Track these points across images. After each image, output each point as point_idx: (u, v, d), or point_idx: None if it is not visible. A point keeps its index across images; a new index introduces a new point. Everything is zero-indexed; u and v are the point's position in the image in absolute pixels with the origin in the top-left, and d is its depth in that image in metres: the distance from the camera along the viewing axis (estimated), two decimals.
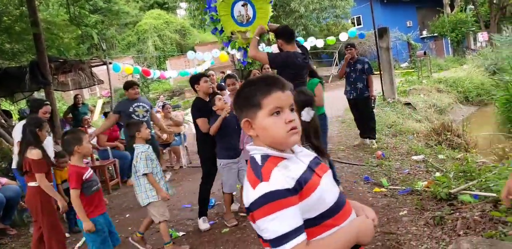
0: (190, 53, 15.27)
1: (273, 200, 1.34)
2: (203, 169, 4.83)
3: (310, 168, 1.49)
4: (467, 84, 15.59)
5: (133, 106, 6.24)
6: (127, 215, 5.74)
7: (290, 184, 1.38)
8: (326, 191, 1.45)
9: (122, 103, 6.60)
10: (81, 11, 12.65)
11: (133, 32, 33.33)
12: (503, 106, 10.37)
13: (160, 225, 4.15)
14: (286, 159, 1.47)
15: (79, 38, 15.15)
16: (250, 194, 1.41)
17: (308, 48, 14.54)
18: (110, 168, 7.54)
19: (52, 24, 10.86)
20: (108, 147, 7.62)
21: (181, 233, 4.67)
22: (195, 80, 4.75)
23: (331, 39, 15.26)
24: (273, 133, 1.46)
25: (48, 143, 5.04)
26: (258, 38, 4.49)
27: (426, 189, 4.62)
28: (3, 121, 8.33)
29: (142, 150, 4.10)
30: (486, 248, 3.04)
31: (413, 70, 19.34)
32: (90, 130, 8.04)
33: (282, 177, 1.39)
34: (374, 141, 7.58)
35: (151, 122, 6.62)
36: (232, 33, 4.59)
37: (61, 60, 10.15)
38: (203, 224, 4.73)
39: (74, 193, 3.42)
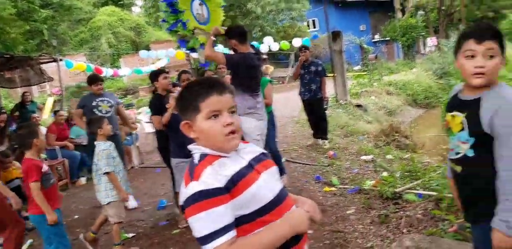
0: (142, 52, 15.05)
1: (200, 200, 1.36)
2: (169, 167, 4.72)
3: (250, 165, 1.51)
4: (415, 87, 16.19)
5: (97, 100, 6.01)
6: (75, 217, 5.61)
7: (221, 182, 1.39)
8: (263, 188, 1.46)
9: (85, 97, 6.38)
10: (30, 6, 12.26)
11: (86, 29, 32.47)
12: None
13: (113, 226, 4.08)
14: (224, 157, 1.49)
15: (27, 34, 14.65)
16: (183, 192, 1.44)
17: (265, 50, 14.78)
18: (59, 168, 7.33)
19: None
20: (57, 147, 7.41)
21: (130, 235, 4.61)
22: (154, 76, 4.69)
23: (285, 43, 15.41)
24: (211, 137, 1.48)
25: None
26: (213, 38, 4.44)
27: (374, 188, 4.78)
28: None
29: (103, 148, 3.98)
30: (427, 245, 3.20)
31: (365, 73, 19.89)
32: (43, 128, 7.79)
33: (213, 176, 1.41)
34: (326, 141, 7.75)
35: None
36: (194, 28, 4.52)
37: (7, 56, 9.76)
38: None
39: (35, 186, 3.34)
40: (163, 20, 4.79)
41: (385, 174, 5.42)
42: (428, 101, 15.79)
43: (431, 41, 26.06)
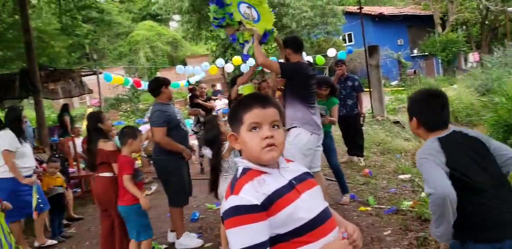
0: (179, 67, 15.24)
1: (238, 214, 1.40)
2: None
3: (291, 184, 1.52)
4: (456, 104, 15.72)
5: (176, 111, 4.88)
6: None
7: (258, 199, 1.41)
8: (301, 208, 1.46)
9: (162, 108, 4.57)
10: (73, 21, 12.68)
11: (125, 43, 33.40)
12: (492, 127, 10.46)
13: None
14: (266, 174, 1.51)
15: (70, 47, 15.18)
16: (223, 205, 1.48)
17: None
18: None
19: (44, 33, 10.88)
20: None
21: (164, 246, 4.58)
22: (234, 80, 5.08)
23: (320, 58, 15.29)
24: (250, 149, 1.52)
25: (28, 150, 5.00)
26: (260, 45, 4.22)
27: (411, 209, 4.62)
28: None
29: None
30: None
31: (402, 88, 19.56)
32: (78, 140, 7.97)
33: (252, 192, 1.43)
34: (361, 158, 7.59)
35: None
36: (239, 23, 4.23)
37: (51, 69, 10.11)
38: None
39: (128, 178, 3.70)
40: (217, 26, 4.35)
41: (423, 194, 5.24)
42: (470, 119, 15.24)
43: (473, 56, 25.47)
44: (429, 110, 2.25)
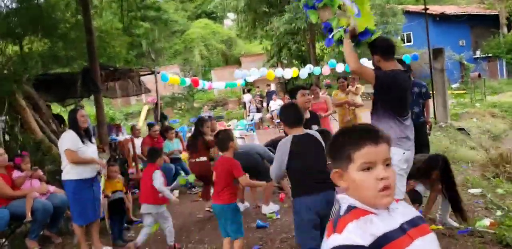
0: (237, 72, 15.20)
1: None
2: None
3: (403, 228, 1.34)
4: None
5: None
6: None
7: (365, 241, 1.27)
8: None
9: None
10: (133, 21, 12.87)
11: (180, 41, 33.87)
12: None
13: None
14: (373, 214, 1.35)
15: (129, 47, 15.48)
16: (324, 242, 1.36)
17: None
18: None
19: (105, 33, 11.08)
20: None
21: None
22: (292, 93, 4.78)
23: None
24: (362, 191, 1.37)
25: (92, 149, 5.02)
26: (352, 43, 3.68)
27: (489, 230, 4.27)
28: (54, 126, 8.46)
29: None
30: None
31: (464, 91, 18.68)
32: (137, 141, 8.05)
33: (358, 231, 1.29)
34: None
35: None
36: (339, 7, 3.60)
37: (112, 68, 10.28)
38: None
39: (245, 178, 4.09)
40: (311, 7, 3.72)
41: (499, 212, 4.86)
42: None
43: None
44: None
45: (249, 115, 17.92)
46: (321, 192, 3.21)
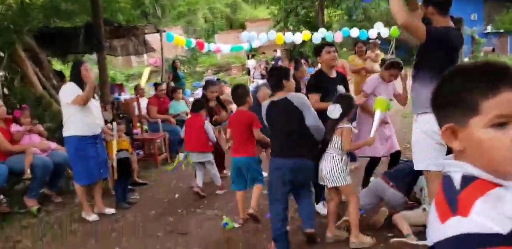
0: (244, 34, 14.56)
1: (470, 247, 0.86)
2: None
3: None
4: None
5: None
6: (176, 195, 5.37)
7: (503, 227, 0.85)
8: None
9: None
10: None
11: (184, 2, 32.84)
12: None
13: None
14: (500, 187, 0.94)
15: (133, 3, 14.86)
16: (437, 228, 0.95)
17: (374, 36, 13.66)
18: (158, 141, 7.15)
19: None
20: (159, 120, 7.25)
21: (237, 224, 4.23)
22: (318, 50, 4.40)
23: (396, 30, 14.18)
24: (490, 154, 0.94)
25: (95, 106, 4.67)
26: None
27: None
28: (55, 82, 8.09)
29: None
30: None
31: None
32: (142, 100, 7.68)
33: (490, 214, 0.88)
34: None
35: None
36: None
37: (116, 25, 9.81)
38: (322, 209, 4.33)
39: (259, 131, 4.21)
40: None
41: None
42: None
43: None
44: None
45: (253, 82, 17.41)
46: (290, 158, 3.43)
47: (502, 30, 26.36)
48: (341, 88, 4.30)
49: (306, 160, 3.47)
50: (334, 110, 3.52)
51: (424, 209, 3.74)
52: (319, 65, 4.67)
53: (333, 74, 4.35)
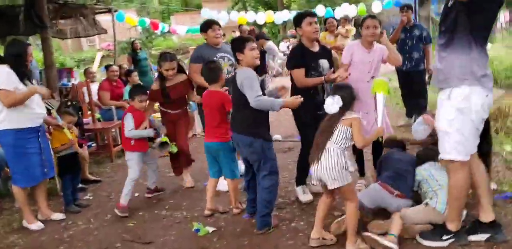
0: (204, 11, 13.72)
1: None
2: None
3: None
4: (495, 65, 14.38)
5: (218, 56, 4.59)
6: (136, 194, 4.63)
7: None
8: None
9: (201, 48, 4.76)
10: None
11: None
12: None
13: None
14: None
15: None
16: None
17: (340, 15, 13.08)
18: (113, 131, 6.37)
19: None
20: (113, 107, 6.46)
21: (211, 229, 3.57)
22: (298, 21, 3.81)
23: (363, 9, 13.66)
24: None
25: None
26: None
27: None
28: None
29: None
30: None
31: None
32: (93, 85, 6.85)
33: None
34: None
35: None
36: None
37: (61, 2, 8.86)
38: (304, 195, 3.93)
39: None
40: None
41: None
42: (510, 81, 14.01)
43: (504, 16, 23.57)
44: None
45: None
46: (235, 132, 3.46)
47: None
48: (324, 63, 3.77)
49: (245, 136, 3.34)
50: (334, 103, 2.90)
51: (426, 204, 3.21)
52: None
53: (316, 48, 3.82)
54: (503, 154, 5.04)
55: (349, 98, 2.96)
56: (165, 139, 4.21)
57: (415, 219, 3.15)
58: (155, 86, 4.45)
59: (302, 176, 4.02)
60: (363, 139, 2.99)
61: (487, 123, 3.03)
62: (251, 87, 3.22)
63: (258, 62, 3.47)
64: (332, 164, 2.89)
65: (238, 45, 3.43)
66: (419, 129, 3.68)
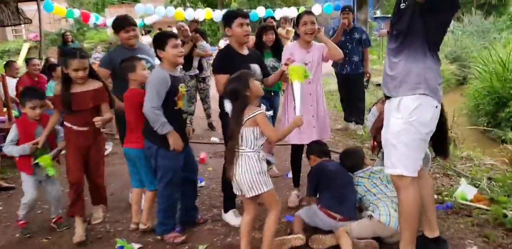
0: (138, 6, 13.10)
1: None
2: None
3: None
4: None
5: None
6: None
7: None
8: None
9: (114, 52, 4.10)
10: None
11: None
12: (482, 98, 9.71)
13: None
14: None
15: None
16: None
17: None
18: None
19: None
20: None
21: (137, 246, 3.20)
22: (228, 20, 3.37)
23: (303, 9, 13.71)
24: None
25: None
26: None
27: (480, 206, 3.50)
28: None
29: None
30: None
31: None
32: (11, 80, 6.21)
33: None
34: (361, 126, 6.47)
35: None
36: None
37: None
38: (235, 219, 3.47)
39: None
40: None
41: (463, 180, 4.15)
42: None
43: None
44: None
45: None
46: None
47: (389, 15, 27.40)
48: (255, 68, 3.40)
49: (145, 139, 3.17)
50: (228, 101, 2.73)
51: (370, 217, 3.02)
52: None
53: (245, 51, 3.46)
54: (439, 160, 5.05)
55: (241, 87, 2.67)
56: (45, 159, 3.30)
57: (362, 234, 2.96)
58: (58, 90, 3.35)
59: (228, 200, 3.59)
60: (277, 133, 2.73)
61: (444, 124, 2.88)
62: (151, 94, 3.00)
63: (181, 60, 3.15)
64: (246, 170, 2.63)
65: (159, 41, 3.11)
66: (373, 119, 3.57)
